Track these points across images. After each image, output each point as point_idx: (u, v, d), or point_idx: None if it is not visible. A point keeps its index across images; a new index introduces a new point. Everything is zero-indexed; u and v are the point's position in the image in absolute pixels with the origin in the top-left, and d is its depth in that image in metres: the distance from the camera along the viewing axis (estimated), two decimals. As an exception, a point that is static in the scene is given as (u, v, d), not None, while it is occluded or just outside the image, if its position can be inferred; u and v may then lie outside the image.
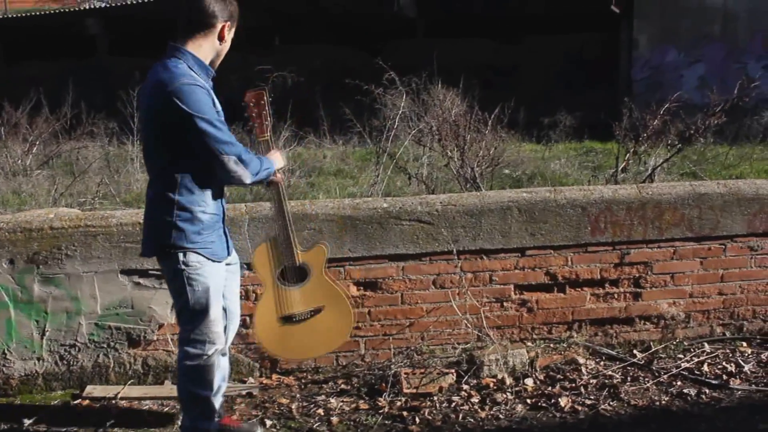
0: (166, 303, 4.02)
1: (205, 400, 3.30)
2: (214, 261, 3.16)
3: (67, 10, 22.26)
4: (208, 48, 3.10)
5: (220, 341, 3.26)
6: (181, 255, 3.08)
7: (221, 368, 3.35)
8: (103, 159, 10.17)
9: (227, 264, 3.33)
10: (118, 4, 23.31)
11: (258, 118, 3.43)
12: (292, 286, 3.50)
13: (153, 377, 4.09)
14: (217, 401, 3.36)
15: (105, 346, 4.05)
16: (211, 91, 3.08)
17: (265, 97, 3.44)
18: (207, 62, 3.12)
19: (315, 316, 3.54)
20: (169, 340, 4.07)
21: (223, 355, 3.38)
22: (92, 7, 23.65)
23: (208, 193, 3.12)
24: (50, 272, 3.94)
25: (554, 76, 17.80)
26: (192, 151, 3.00)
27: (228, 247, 3.30)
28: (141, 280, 4.00)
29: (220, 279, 3.23)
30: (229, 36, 3.17)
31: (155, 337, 4.07)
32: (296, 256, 3.47)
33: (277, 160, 3.34)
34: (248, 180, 3.07)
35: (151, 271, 3.99)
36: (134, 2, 21.71)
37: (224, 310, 3.32)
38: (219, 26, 3.09)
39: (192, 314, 3.17)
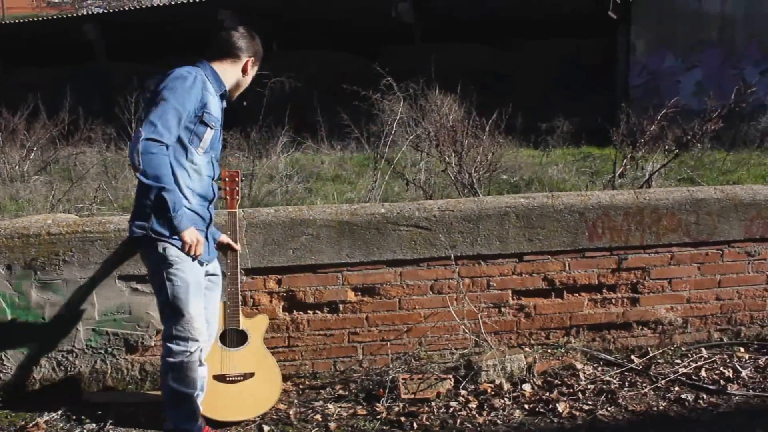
0: (164, 309, 4.01)
1: (187, 398, 3.34)
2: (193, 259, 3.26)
3: (64, 15, 22.28)
4: (231, 74, 3.41)
5: (202, 338, 3.33)
6: (160, 247, 3.17)
7: (201, 374, 3.42)
8: (101, 165, 10.16)
9: (209, 274, 3.47)
10: (116, 9, 23.32)
11: (230, 193, 3.73)
12: (230, 349, 3.73)
13: (151, 383, 4.08)
14: (199, 402, 3.42)
15: (102, 351, 4.04)
16: (215, 98, 3.32)
17: (239, 177, 3.77)
18: (227, 85, 3.40)
19: (246, 380, 3.72)
20: (167, 345, 4.06)
21: (201, 365, 3.40)
22: (90, 12, 23.67)
23: (192, 189, 3.23)
24: (48, 278, 3.94)
25: (552, 81, 17.84)
26: (178, 138, 3.17)
27: (209, 252, 3.41)
28: (138, 286, 4.00)
29: (200, 278, 3.34)
30: (252, 71, 3.49)
31: (153, 343, 4.07)
32: (240, 321, 3.72)
33: (188, 229, 3.19)
34: (138, 172, 3.04)
35: (148, 277, 3.98)
36: (132, 8, 21.73)
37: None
38: (244, 60, 3.42)
39: (172, 310, 3.25)
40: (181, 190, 3.18)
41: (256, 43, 3.49)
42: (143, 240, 3.20)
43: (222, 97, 3.39)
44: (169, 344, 3.28)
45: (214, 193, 3.39)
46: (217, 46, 3.40)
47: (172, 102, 3.08)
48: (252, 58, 3.45)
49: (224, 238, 3.64)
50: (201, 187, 3.28)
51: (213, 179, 3.38)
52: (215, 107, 3.29)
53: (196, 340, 3.29)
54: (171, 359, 3.28)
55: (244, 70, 3.45)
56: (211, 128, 3.27)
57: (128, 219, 3.34)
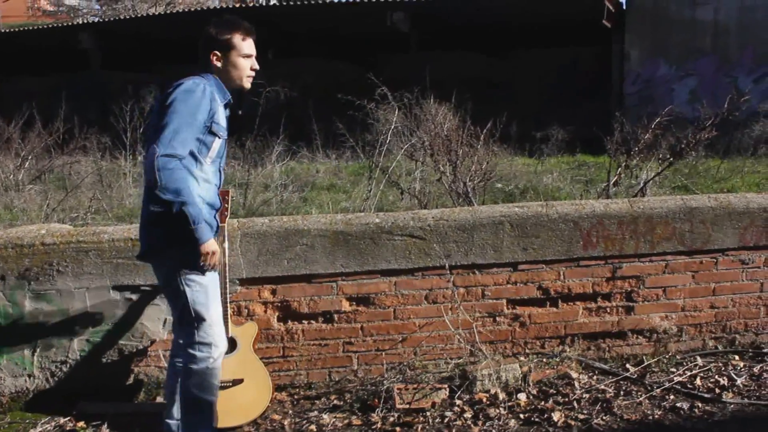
0: (158, 319, 4.01)
1: (209, 405, 3.37)
2: None
3: (60, 24, 22.29)
4: (227, 67, 3.36)
5: (223, 343, 3.36)
6: (177, 255, 3.17)
7: None
8: (96, 174, 10.15)
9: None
10: (112, 18, 23.35)
11: (219, 209, 3.71)
12: None
13: (145, 393, 4.08)
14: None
15: (96, 362, 4.03)
16: (221, 107, 3.32)
17: (228, 196, 3.84)
18: (231, 80, 3.37)
19: (234, 387, 3.74)
20: (161, 356, 4.06)
21: None
22: (85, 21, 23.69)
23: (202, 198, 3.20)
24: (42, 288, 3.93)
25: (547, 89, 17.88)
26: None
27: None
28: (133, 296, 3.99)
29: (216, 283, 3.35)
30: (244, 45, 3.36)
31: (147, 353, 4.06)
32: (229, 328, 3.73)
33: (209, 240, 3.18)
34: (157, 188, 3.03)
35: (143, 287, 3.98)
36: (127, 17, 21.76)
37: None
38: (225, 42, 3.33)
39: (193, 316, 3.25)
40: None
41: (230, 20, 3.39)
42: (157, 250, 3.23)
43: (226, 106, 3.38)
44: (191, 351, 3.28)
45: (219, 202, 3.40)
46: (200, 53, 3.37)
47: (184, 115, 3.09)
48: (232, 35, 3.32)
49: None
50: (210, 195, 3.28)
51: (219, 187, 3.40)
52: (222, 116, 3.30)
53: (218, 346, 3.32)
54: (194, 366, 3.28)
55: (233, 52, 3.34)
56: (219, 138, 3.27)
57: (137, 232, 3.38)
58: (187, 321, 3.27)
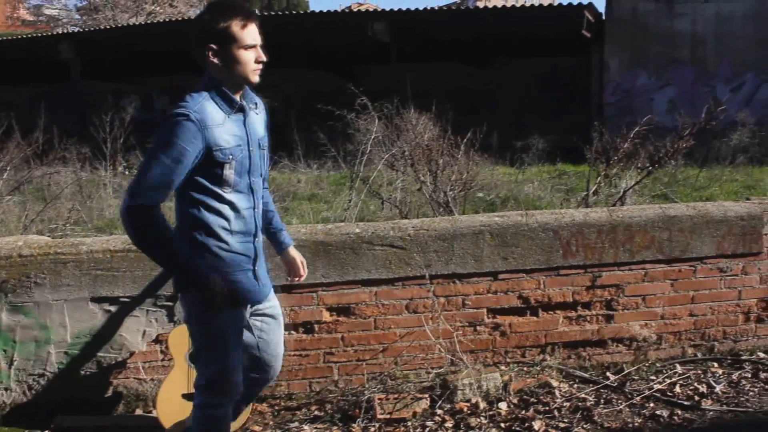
0: (137, 330, 3.98)
1: None
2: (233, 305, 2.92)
3: (40, 34, 22.19)
4: (228, 65, 2.82)
5: (236, 392, 3.05)
6: (194, 292, 2.86)
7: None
8: (76, 184, 10.09)
9: (262, 314, 3.15)
10: (92, 29, 23.26)
11: None
12: None
13: (124, 406, 4.04)
14: None
15: (75, 375, 3.99)
16: (224, 125, 2.81)
17: None
18: (238, 77, 2.84)
19: None
20: (141, 368, 4.03)
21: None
22: (65, 31, 23.60)
23: (229, 230, 2.88)
24: (19, 301, 3.89)
25: (527, 99, 17.99)
26: (199, 183, 2.82)
27: (259, 292, 3.05)
28: (111, 308, 3.96)
29: (241, 324, 3.02)
30: (244, 33, 2.79)
31: (126, 365, 4.03)
32: None
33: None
34: (136, 245, 2.81)
35: (122, 298, 3.95)
36: (108, 27, 21.69)
37: (259, 360, 3.20)
38: (219, 35, 2.78)
39: (206, 360, 2.97)
40: (215, 235, 2.85)
41: (224, 4, 2.83)
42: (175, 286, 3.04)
43: (241, 110, 2.88)
44: (200, 394, 3.01)
45: (257, 225, 3.00)
46: (194, 49, 2.83)
47: (159, 157, 2.69)
48: (229, 23, 2.76)
49: (292, 253, 3.36)
50: (240, 223, 2.91)
51: (254, 208, 2.98)
52: (227, 136, 2.80)
53: (228, 395, 3.01)
54: (201, 411, 3.02)
55: (233, 45, 2.78)
56: (228, 163, 2.80)
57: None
58: (201, 362, 3.01)
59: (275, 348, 3.25)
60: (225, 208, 2.86)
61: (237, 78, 2.83)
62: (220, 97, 2.81)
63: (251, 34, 2.81)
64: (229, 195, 2.86)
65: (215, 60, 2.78)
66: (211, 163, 2.78)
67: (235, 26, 2.76)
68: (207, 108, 2.76)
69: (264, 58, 2.85)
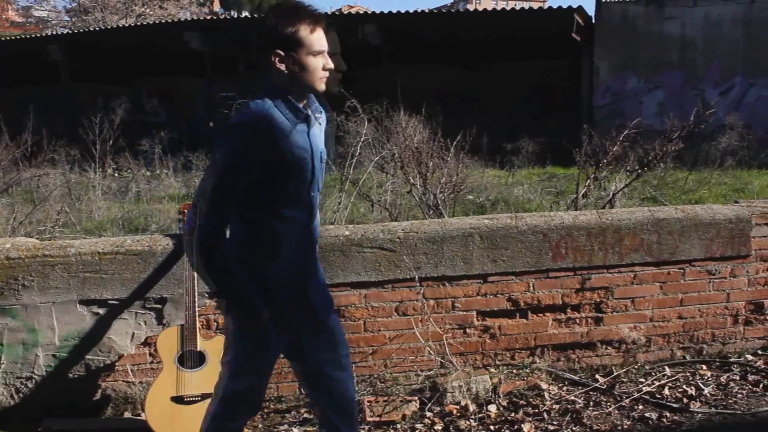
0: (126, 333, 3.97)
1: None
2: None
3: (29, 36, 22.10)
4: (295, 73, 2.64)
5: (255, 411, 3.00)
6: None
7: None
8: (65, 187, 10.05)
9: (318, 333, 2.95)
10: (81, 30, 23.18)
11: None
12: (188, 370, 3.72)
13: (112, 409, 4.02)
14: None
15: (63, 378, 3.97)
16: (291, 135, 2.61)
17: (198, 209, 3.68)
18: (306, 85, 2.66)
19: (204, 401, 3.66)
20: (129, 370, 4.01)
21: None
22: (54, 33, 23.52)
23: (287, 245, 2.70)
24: (6, 303, 3.87)
25: (517, 102, 18.02)
26: (257, 197, 2.65)
27: (315, 312, 2.90)
28: (100, 311, 3.95)
29: (279, 347, 2.87)
30: (312, 39, 2.61)
31: (115, 368, 4.01)
32: (197, 342, 3.72)
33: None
34: (201, 268, 2.64)
35: (110, 301, 3.94)
36: (97, 29, 21.61)
37: (318, 384, 3.01)
38: (285, 42, 2.60)
39: (235, 373, 2.82)
40: (272, 253, 2.68)
41: (293, 7, 2.66)
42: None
43: (306, 120, 2.67)
44: (219, 405, 2.88)
45: (315, 241, 2.84)
46: (256, 54, 2.65)
47: (224, 170, 2.55)
48: (297, 28, 2.57)
49: None
50: (299, 241, 2.73)
51: (313, 225, 2.79)
52: (292, 148, 2.60)
53: (246, 413, 2.94)
54: (215, 422, 2.90)
55: (301, 51, 2.59)
56: (291, 176, 2.63)
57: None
58: (229, 374, 2.84)
59: (332, 371, 2.99)
60: (284, 225, 2.68)
61: (303, 85, 2.65)
62: (286, 105, 2.61)
63: (319, 39, 2.63)
64: (289, 210, 2.68)
65: (281, 66, 2.60)
66: (272, 176, 2.60)
67: (303, 31, 2.59)
68: (272, 117, 2.56)
69: (332, 65, 2.68)
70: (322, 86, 2.68)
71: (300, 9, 2.63)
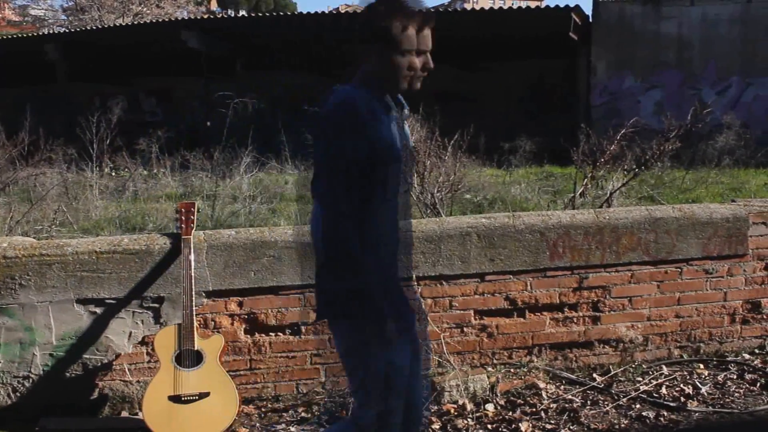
0: (123, 332, 3.96)
1: None
2: None
3: (25, 35, 22.07)
4: (385, 66, 2.53)
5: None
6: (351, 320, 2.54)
7: None
8: (62, 186, 10.03)
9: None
10: (78, 29, 23.15)
11: (185, 222, 3.86)
12: (185, 369, 3.72)
13: (110, 408, 4.02)
14: None
15: (60, 377, 3.97)
16: (381, 122, 2.50)
17: (194, 208, 3.89)
18: (391, 80, 2.55)
19: (201, 400, 3.71)
20: (126, 370, 4.00)
21: None
22: (51, 32, 23.49)
23: (378, 243, 2.53)
24: (3, 302, 3.86)
25: (515, 101, 18.02)
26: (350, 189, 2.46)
27: (405, 318, 2.71)
28: (97, 310, 3.94)
29: (405, 357, 2.67)
30: (407, 35, 2.49)
31: (112, 367, 4.00)
32: (195, 341, 3.73)
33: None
34: (329, 260, 2.47)
35: (107, 300, 3.93)
36: (94, 28, 21.58)
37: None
38: (383, 37, 2.49)
39: (365, 400, 2.62)
40: (365, 251, 2.45)
41: (388, 3, 2.50)
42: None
43: (392, 113, 2.57)
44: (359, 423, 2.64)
45: (398, 240, 2.67)
46: (350, 46, 2.58)
47: (333, 159, 2.43)
48: (389, 24, 2.45)
49: None
50: (387, 238, 2.59)
51: (397, 221, 2.63)
52: (385, 134, 2.50)
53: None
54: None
55: (388, 46, 2.48)
56: (383, 167, 2.49)
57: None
58: (358, 404, 2.65)
59: (413, 384, 2.77)
60: (374, 220, 2.50)
61: (387, 81, 2.54)
62: (372, 96, 2.50)
63: (410, 38, 2.49)
64: (379, 204, 2.51)
65: (370, 59, 2.51)
66: (365, 165, 2.44)
67: (396, 28, 2.47)
68: (360, 104, 2.44)
69: (418, 66, 2.53)
70: (404, 85, 2.55)
71: (398, 5, 2.50)
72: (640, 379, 4.31)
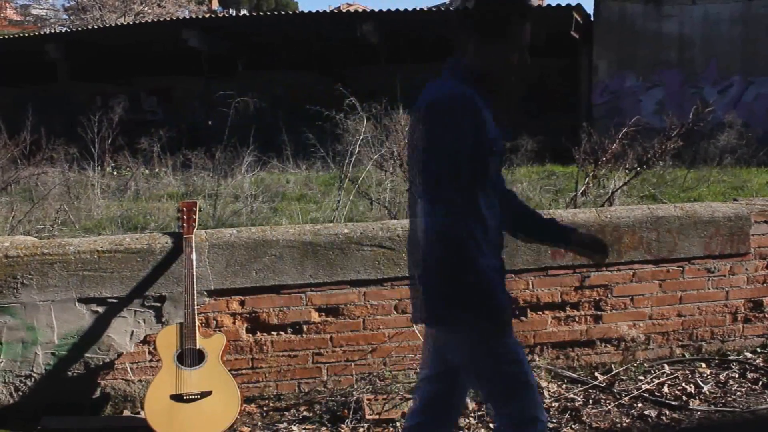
0: (125, 331, 3.96)
1: None
2: None
3: (27, 35, 22.08)
4: (494, 56, 2.46)
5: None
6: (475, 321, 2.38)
7: None
8: (63, 185, 10.04)
9: None
10: (79, 29, 23.15)
11: (187, 221, 3.88)
12: (187, 368, 3.73)
13: (112, 407, 4.02)
14: None
15: (62, 376, 3.97)
16: (488, 114, 2.40)
17: (196, 207, 3.92)
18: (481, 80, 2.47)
19: (203, 399, 3.72)
20: (128, 368, 4.01)
21: None
22: (53, 32, 23.49)
23: (487, 241, 2.38)
24: (5, 302, 3.87)
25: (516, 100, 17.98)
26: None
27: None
28: (99, 309, 3.94)
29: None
30: (490, 50, 2.45)
31: (114, 366, 4.01)
32: (197, 340, 3.72)
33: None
34: (446, 263, 2.28)
35: (109, 299, 3.93)
36: (95, 27, 21.58)
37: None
38: (468, 39, 2.46)
39: (503, 402, 2.49)
40: (477, 250, 2.30)
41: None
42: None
43: (490, 108, 2.45)
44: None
45: (503, 237, 2.56)
46: (455, 37, 2.48)
47: (451, 154, 2.27)
48: (504, 17, 2.41)
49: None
50: (493, 235, 2.45)
51: (499, 217, 2.50)
52: (492, 127, 2.40)
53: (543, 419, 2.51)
54: None
55: (499, 40, 2.42)
56: (491, 161, 2.39)
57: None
58: (499, 410, 2.49)
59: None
60: (482, 217, 2.37)
61: (493, 75, 2.47)
62: (476, 90, 2.39)
63: (524, 33, 2.46)
64: (486, 200, 2.39)
65: (476, 51, 2.43)
66: (476, 160, 2.32)
67: (511, 23, 2.43)
68: (474, 98, 2.35)
69: (525, 61, 2.50)
70: (510, 80, 2.49)
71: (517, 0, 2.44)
72: (641, 377, 4.30)
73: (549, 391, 4.12)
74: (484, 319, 2.32)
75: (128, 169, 12.41)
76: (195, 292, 3.76)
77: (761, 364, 4.45)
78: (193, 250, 3.81)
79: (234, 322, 4.09)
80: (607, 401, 4.03)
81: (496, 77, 2.46)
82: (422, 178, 2.32)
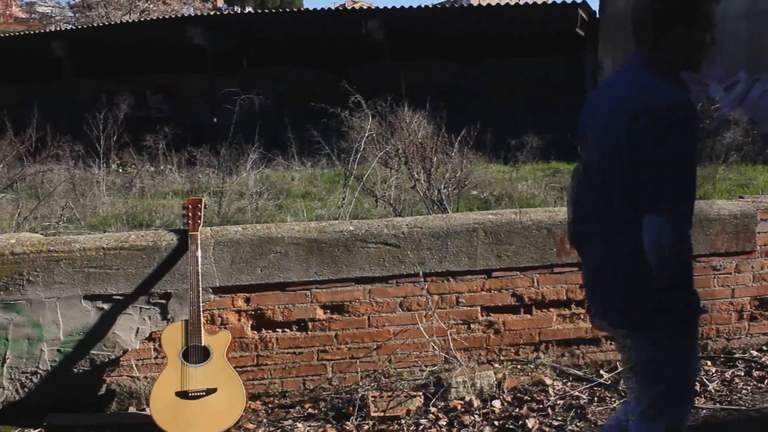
0: (130, 328, 3.97)
1: None
2: None
3: (32, 32, 22.10)
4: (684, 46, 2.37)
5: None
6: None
7: None
8: (69, 182, 10.05)
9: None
10: (84, 26, 23.19)
11: (192, 218, 3.90)
12: (192, 365, 3.73)
13: (117, 404, 4.03)
14: None
15: (67, 373, 3.98)
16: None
17: (201, 204, 3.94)
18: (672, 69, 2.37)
19: (208, 396, 3.72)
20: (134, 365, 4.02)
21: None
22: (58, 29, 23.53)
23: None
24: (11, 298, 3.88)
25: (521, 97, 17.99)
26: None
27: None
28: (104, 306, 3.95)
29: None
30: (689, 38, 2.35)
31: (120, 363, 4.01)
32: (202, 337, 3.74)
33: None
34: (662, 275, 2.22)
35: (115, 296, 3.94)
36: (101, 25, 21.61)
37: None
38: (667, 29, 2.34)
39: (671, 403, 2.43)
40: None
41: None
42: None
43: None
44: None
45: None
46: (647, 26, 2.34)
47: (686, 168, 2.19)
48: (706, 1, 2.33)
49: None
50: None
51: None
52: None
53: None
54: None
55: (701, 25, 2.35)
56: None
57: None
58: (664, 408, 2.42)
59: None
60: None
61: (691, 63, 2.38)
62: (675, 85, 2.29)
63: (716, 12, 2.40)
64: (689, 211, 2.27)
65: (678, 41, 2.30)
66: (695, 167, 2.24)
67: (708, 3, 2.36)
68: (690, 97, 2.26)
69: (714, 42, 2.40)
70: (702, 65, 2.39)
71: None
72: (647, 375, 4.29)
73: (554, 388, 4.11)
74: (688, 317, 2.35)
75: (133, 166, 12.43)
76: (200, 289, 3.76)
77: (767, 363, 4.44)
78: (199, 247, 3.82)
79: (239, 320, 4.09)
80: (613, 399, 4.03)
81: (698, 61, 2.37)
82: (651, 190, 2.18)
